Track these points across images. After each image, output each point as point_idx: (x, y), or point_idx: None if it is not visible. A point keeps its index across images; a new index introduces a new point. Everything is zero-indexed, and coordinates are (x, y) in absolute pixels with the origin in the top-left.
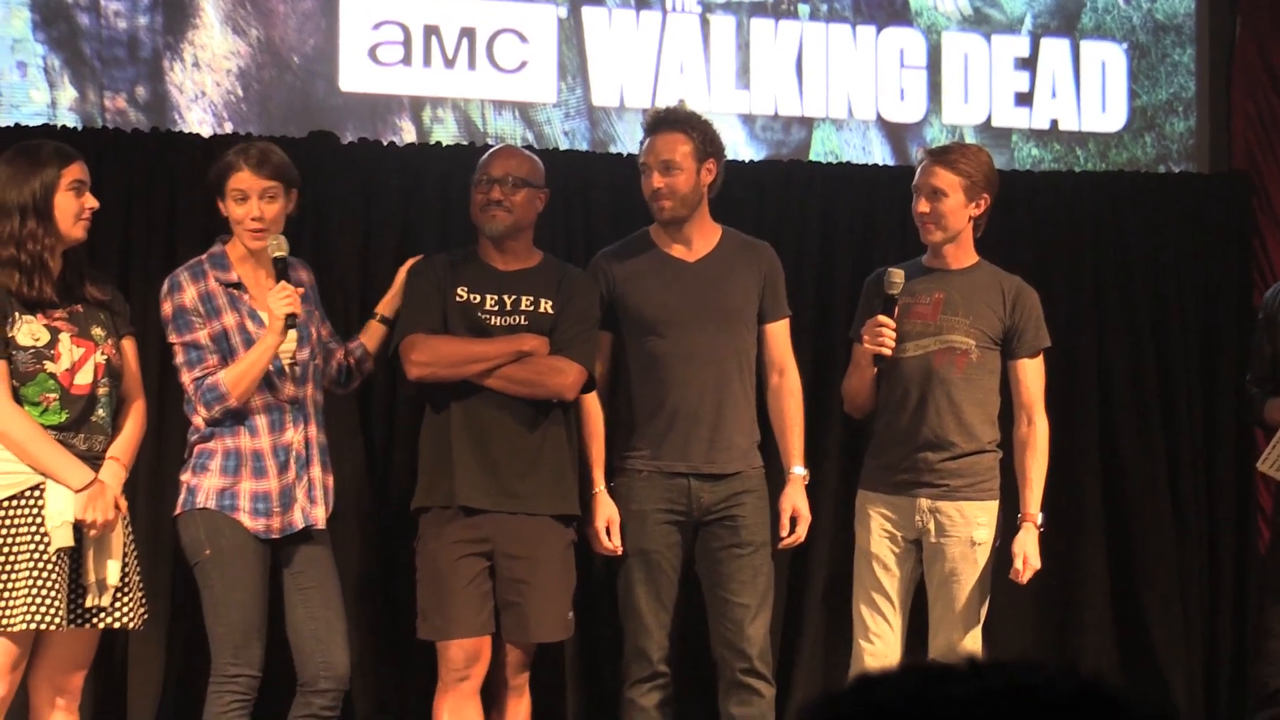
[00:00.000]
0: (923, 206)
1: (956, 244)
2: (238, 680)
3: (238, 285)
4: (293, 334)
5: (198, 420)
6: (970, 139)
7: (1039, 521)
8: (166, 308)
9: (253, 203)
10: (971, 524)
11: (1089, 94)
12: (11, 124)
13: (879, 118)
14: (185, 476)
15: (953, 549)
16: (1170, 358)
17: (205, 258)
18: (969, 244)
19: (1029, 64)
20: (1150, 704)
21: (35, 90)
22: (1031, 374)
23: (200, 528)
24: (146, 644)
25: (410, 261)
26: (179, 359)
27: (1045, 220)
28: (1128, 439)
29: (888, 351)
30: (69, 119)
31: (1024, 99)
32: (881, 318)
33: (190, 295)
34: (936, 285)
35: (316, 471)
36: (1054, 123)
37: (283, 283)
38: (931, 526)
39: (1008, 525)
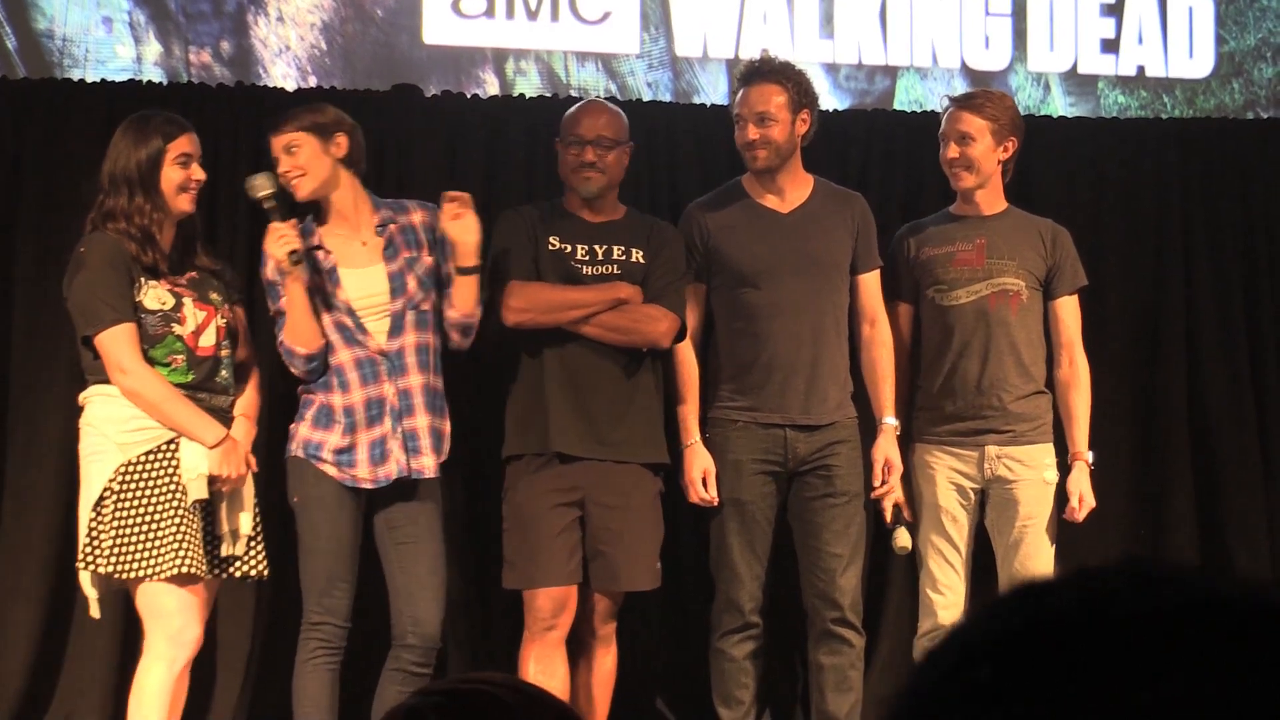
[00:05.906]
0: (952, 152)
1: (987, 189)
2: (321, 628)
3: (318, 247)
4: (378, 288)
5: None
6: (1056, 86)
7: (1090, 460)
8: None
9: (283, 160)
10: (1040, 466)
11: (1176, 40)
12: (98, 79)
13: (964, 66)
14: (291, 424)
15: (1027, 492)
16: (1259, 305)
17: None
18: (999, 189)
19: (1115, 10)
20: None
21: (121, 45)
22: (1071, 312)
23: (292, 474)
24: (235, 594)
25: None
26: (276, 328)
27: (1132, 168)
28: (1216, 389)
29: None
30: (154, 74)
31: (1110, 45)
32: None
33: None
34: (975, 231)
35: (421, 420)
36: (1140, 69)
37: (271, 224)
38: (1002, 473)
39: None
